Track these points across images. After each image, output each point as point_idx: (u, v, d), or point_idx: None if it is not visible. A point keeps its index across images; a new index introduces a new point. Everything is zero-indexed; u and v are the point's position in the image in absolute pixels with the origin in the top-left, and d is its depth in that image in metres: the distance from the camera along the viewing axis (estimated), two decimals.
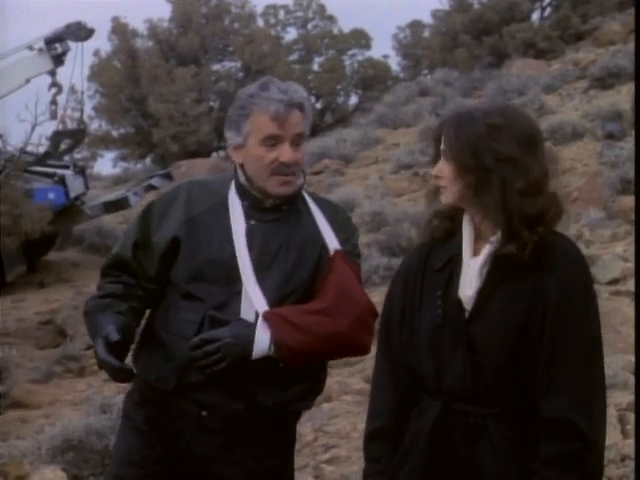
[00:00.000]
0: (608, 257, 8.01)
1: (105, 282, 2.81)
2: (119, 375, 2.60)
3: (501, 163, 2.18)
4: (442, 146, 2.27)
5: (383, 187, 14.55)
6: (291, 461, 2.83)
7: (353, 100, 35.43)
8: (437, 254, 2.34)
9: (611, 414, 4.81)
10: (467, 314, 2.24)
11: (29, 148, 14.90)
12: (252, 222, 2.69)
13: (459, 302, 2.25)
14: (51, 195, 14.89)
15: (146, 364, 2.75)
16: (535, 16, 25.75)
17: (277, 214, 2.71)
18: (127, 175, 29.09)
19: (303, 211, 2.75)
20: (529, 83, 17.35)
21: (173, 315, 2.70)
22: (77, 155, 17.87)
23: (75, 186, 15.86)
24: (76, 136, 17.25)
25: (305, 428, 5.97)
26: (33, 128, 12.95)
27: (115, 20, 31.53)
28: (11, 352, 9.07)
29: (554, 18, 24.44)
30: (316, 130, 30.36)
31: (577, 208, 10.07)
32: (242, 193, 2.73)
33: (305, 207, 2.76)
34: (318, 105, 34.87)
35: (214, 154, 30.18)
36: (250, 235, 2.66)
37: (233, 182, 2.76)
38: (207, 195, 2.76)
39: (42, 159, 15.88)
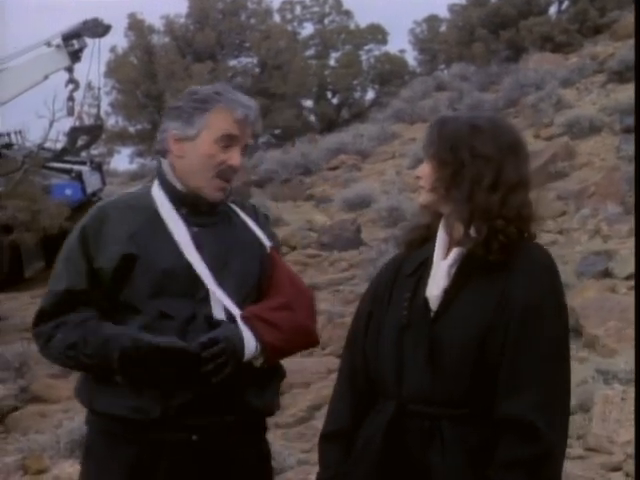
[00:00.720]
0: (626, 252, 7.98)
1: (63, 321, 2.52)
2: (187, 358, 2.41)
3: (476, 159, 2.21)
4: (424, 146, 2.31)
5: (400, 182, 14.53)
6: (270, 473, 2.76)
7: (370, 95, 35.45)
8: (409, 261, 2.36)
9: (629, 410, 4.80)
10: (432, 313, 2.24)
11: (47, 144, 14.96)
12: (194, 229, 2.56)
13: (426, 302, 2.25)
14: (68, 191, 14.98)
15: (112, 399, 2.50)
16: (552, 10, 25.65)
17: (214, 218, 2.61)
18: (143, 171, 29.17)
19: (231, 214, 2.66)
20: (546, 77, 17.27)
21: None
22: (94, 151, 17.97)
23: (92, 182, 15.95)
24: (93, 132, 17.33)
25: (320, 424, 5.98)
26: (51, 124, 13.00)
27: (132, 16, 31.64)
28: (30, 347, 9.12)
29: (572, 11, 24.31)
30: (333, 125, 30.37)
31: (594, 203, 10.03)
32: (178, 200, 2.57)
33: (229, 209, 2.66)
34: (335, 100, 34.87)
35: None
36: (197, 242, 2.54)
37: (159, 191, 2.60)
38: (133, 212, 2.58)
39: (59, 155, 15.96)
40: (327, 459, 2.40)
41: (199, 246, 2.53)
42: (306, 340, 2.68)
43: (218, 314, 2.51)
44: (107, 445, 2.55)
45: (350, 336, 2.45)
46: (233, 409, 2.52)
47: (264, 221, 2.73)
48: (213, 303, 2.51)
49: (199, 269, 2.51)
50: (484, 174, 2.21)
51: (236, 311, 2.51)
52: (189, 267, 2.50)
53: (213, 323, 2.50)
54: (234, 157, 2.55)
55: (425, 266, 2.31)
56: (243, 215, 2.67)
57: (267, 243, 2.65)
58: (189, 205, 2.58)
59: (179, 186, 2.58)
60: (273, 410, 2.66)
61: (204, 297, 2.51)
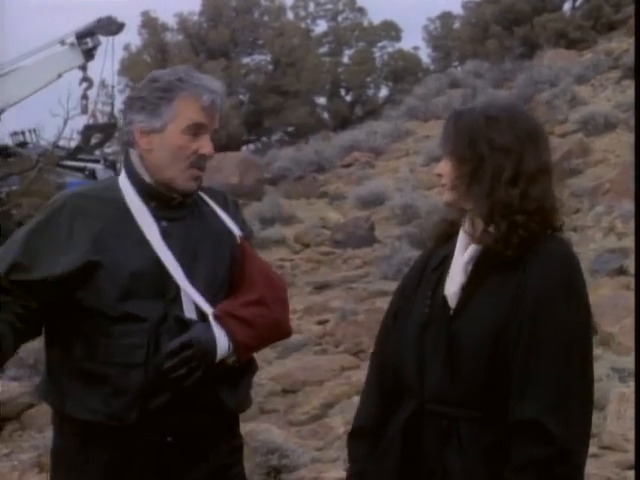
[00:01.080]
0: None
1: None
2: None
3: (495, 152, 2.17)
4: (442, 142, 2.28)
5: (414, 180, 14.50)
6: (243, 464, 2.73)
7: (383, 92, 35.41)
8: (435, 255, 2.35)
9: None
10: (451, 311, 2.22)
11: (61, 142, 15.02)
12: (164, 223, 2.47)
13: (444, 299, 2.23)
14: None
15: (85, 403, 2.43)
16: (567, 6, 25.54)
17: (183, 211, 2.52)
18: None
19: (200, 203, 2.58)
20: (561, 74, 17.18)
21: (107, 344, 2.41)
22: (107, 149, 17.99)
23: None
24: (107, 130, 17.39)
25: (336, 421, 5.98)
26: (65, 123, 13.07)
27: (145, 14, 31.70)
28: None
29: (586, 7, 24.20)
30: (346, 123, 30.35)
31: (609, 200, 9.98)
32: (146, 193, 2.48)
33: (199, 198, 2.59)
34: (348, 98, 34.85)
35: (244, 147, 30.25)
36: (166, 237, 2.45)
37: (127, 183, 2.51)
38: (100, 205, 2.48)
39: (73, 153, 16.03)
40: (355, 455, 2.39)
41: (168, 242, 2.45)
42: (279, 334, 2.65)
43: (189, 313, 2.44)
44: (79, 449, 2.47)
45: (380, 333, 2.42)
46: (207, 409, 2.48)
47: (234, 210, 2.65)
48: (184, 302, 2.44)
49: (170, 267, 2.42)
50: (504, 167, 2.16)
51: (208, 309, 2.45)
52: (159, 266, 2.42)
53: (183, 324, 2.43)
54: (205, 145, 2.47)
55: (447, 262, 2.28)
56: (213, 204, 2.60)
57: (237, 232, 2.58)
58: (158, 199, 2.49)
59: (147, 179, 2.49)
60: (245, 407, 2.62)
61: (175, 296, 2.44)
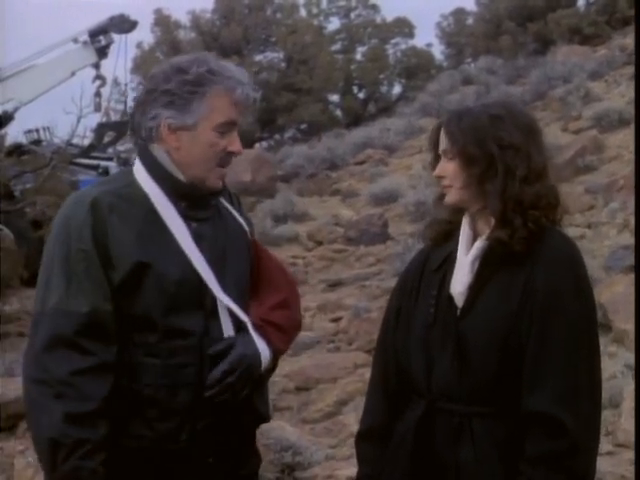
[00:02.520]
0: None
1: (77, 371, 2.17)
2: None
3: (505, 150, 2.19)
4: (442, 146, 2.27)
5: (427, 177, 14.43)
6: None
7: (396, 89, 35.32)
8: (435, 256, 2.35)
9: None
10: (458, 311, 2.23)
11: (74, 140, 15.06)
12: (194, 225, 2.33)
13: (450, 299, 2.24)
14: None
15: (123, 430, 2.26)
16: (581, 1, 25.42)
17: (210, 210, 2.39)
18: None
19: (216, 202, 2.45)
20: (574, 70, 17.11)
21: (152, 365, 2.26)
22: (120, 147, 18.02)
23: None
24: (120, 128, 17.39)
25: (349, 418, 5.97)
26: (78, 120, 13.09)
27: (158, 12, 31.75)
28: None
29: (600, 3, 24.07)
30: (359, 120, 30.31)
31: (623, 196, 9.93)
32: (177, 192, 2.32)
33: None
34: (361, 95, 34.80)
35: (257, 145, 30.27)
36: (198, 241, 2.31)
37: (149, 180, 2.33)
38: (127, 204, 2.28)
39: (87, 151, 16.06)
40: (364, 456, 2.41)
41: (200, 246, 2.31)
42: (297, 334, 2.58)
43: (227, 327, 2.33)
44: (116, 472, 2.26)
45: (381, 333, 2.44)
46: (247, 422, 2.42)
47: (238, 205, 2.54)
48: (221, 314, 2.33)
49: (207, 277, 2.29)
50: (516, 165, 2.19)
51: (245, 318, 2.36)
52: (197, 275, 2.28)
53: (223, 349, 2.30)
54: (234, 143, 2.34)
55: (449, 261, 2.29)
56: (224, 201, 2.48)
57: (247, 228, 2.50)
58: (190, 198, 2.34)
59: (181, 176, 2.33)
60: (271, 415, 2.57)
61: (213, 308, 2.31)
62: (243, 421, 2.40)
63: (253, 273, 2.47)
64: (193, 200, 2.35)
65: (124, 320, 2.25)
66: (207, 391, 2.27)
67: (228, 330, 2.34)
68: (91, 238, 2.23)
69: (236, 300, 2.35)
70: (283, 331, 2.42)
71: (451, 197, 2.27)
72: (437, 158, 2.33)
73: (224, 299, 2.32)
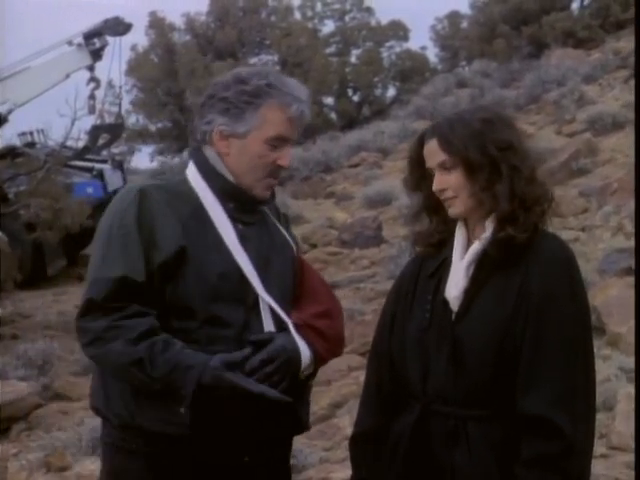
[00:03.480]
0: None
1: (119, 318, 2.24)
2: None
3: (505, 152, 2.20)
4: (439, 159, 2.24)
5: None
6: None
7: (391, 92, 35.33)
8: (430, 261, 2.35)
9: None
10: (454, 315, 2.23)
11: (69, 143, 15.04)
12: (240, 226, 2.38)
13: (445, 303, 2.25)
14: (89, 189, 15.05)
15: (157, 416, 2.26)
16: (575, 5, 25.48)
17: (256, 216, 2.44)
18: (164, 169, 29.17)
19: (264, 212, 2.50)
20: (568, 73, 17.16)
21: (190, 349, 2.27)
22: (115, 149, 18.04)
23: (113, 180, 16.01)
24: (114, 131, 17.40)
25: (343, 421, 5.97)
26: (73, 123, 13.07)
27: (152, 15, 31.74)
28: (53, 345, 9.18)
29: (594, 6, 24.13)
30: (353, 123, 30.32)
31: (617, 200, 9.95)
32: (227, 193, 2.38)
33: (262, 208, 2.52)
34: (355, 98, 34.81)
35: None
36: (243, 241, 2.36)
37: (201, 180, 2.39)
38: (175, 199, 2.35)
39: (81, 154, 16.05)
40: (357, 459, 2.41)
41: (245, 246, 2.36)
42: (341, 349, 2.56)
43: (267, 322, 2.36)
44: (145, 470, 2.29)
45: (376, 337, 2.44)
46: (284, 425, 2.39)
47: (285, 222, 2.60)
48: (262, 310, 2.36)
49: (249, 273, 2.33)
50: (519, 165, 2.20)
51: (287, 318, 2.37)
52: (239, 271, 2.33)
53: (265, 339, 2.31)
54: (285, 157, 2.39)
55: (444, 267, 2.29)
56: (272, 216, 2.53)
57: (293, 245, 2.54)
58: (238, 200, 2.39)
59: (231, 177, 2.39)
60: (310, 424, 2.55)
61: (254, 303, 2.35)
62: (282, 424, 2.38)
63: (296, 287, 2.48)
64: (241, 202, 2.40)
65: (165, 305, 2.28)
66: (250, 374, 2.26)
67: (269, 326, 2.36)
68: (135, 218, 2.29)
69: (278, 302, 2.37)
70: (325, 338, 2.41)
71: (457, 208, 2.26)
72: (420, 174, 2.31)
73: (266, 297, 2.35)
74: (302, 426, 2.48)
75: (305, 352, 2.36)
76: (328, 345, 2.43)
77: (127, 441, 2.33)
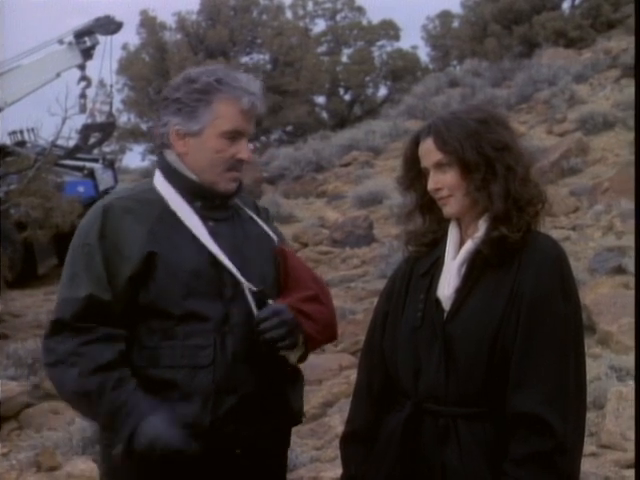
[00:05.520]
0: None
1: (84, 342, 2.28)
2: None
3: (501, 152, 2.21)
4: (435, 158, 2.25)
5: None
6: None
7: (382, 91, 35.41)
8: (422, 261, 2.36)
9: None
10: (445, 314, 2.24)
11: (59, 142, 14.99)
12: (210, 223, 2.40)
13: (438, 302, 2.25)
14: (80, 188, 15.00)
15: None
16: (566, 5, 25.52)
17: (227, 212, 2.47)
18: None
19: (236, 207, 2.52)
20: (559, 73, 17.20)
21: (171, 347, 2.33)
22: (106, 148, 18.00)
23: (104, 179, 15.97)
24: (105, 129, 17.35)
25: (334, 420, 5.97)
26: (63, 121, 13.01)
27: (143, 13, 31.69)
28: None
29: (585, 6, 24.18)
30: (345, 122, 30.33)
31: (608, 199, 9.98)
32: (191, 192, 2.41)
33: (235, 204, 2.53)
34: (347, 97, 34.83)
35: None
36: (215, 237, 2.38)
37: (166, 184, 2.43)
38: (143, 206, 2.39)
39: (72, 153, 16.00)
40: (348, 458, 2.41)
41: (218, 241, 2.38)
42: (332, 334, 2.56)
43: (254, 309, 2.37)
44: (141, 469, 2.31)
45: (368, 336, 2.44)
46: (275, 412, 2.41)
47: (265, 216, 2.61)
48: (245, 300, 2.37)
49: (228, 266, 2.36)
50: (514, 165, 2.21)
51: (271, 301, 2.39)
52: (214, 265, 2.36)
53: (261, 298, 2.37)
54: (242, 150, 2.41)
55: (437, 266, 2.30)
56: (248, 210, 2.55)
57: (274, 237, 2.54)
58: (203, 198, 2.42)
59: (193, 176, 2.42)
60: (303, 415, 2.56)
61: (232, 295, 2.37)
62: (274, 414, 2.40)
63: (282, 278, 2.49)
64: (208, 200, 2.43)
65: (142, 309, 2.34)
66: (262, 324, 2.32)
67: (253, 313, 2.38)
68: (97, 235, 2.34)
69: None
70: (313, 320, 2.41)
71: (453, 207, 2.27)
72: (415, 173, 2.32)
73: (246, 283, 2.37)
74: (295, 417, 2.49)
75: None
76: (317, 327, 2.43)
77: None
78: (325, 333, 2.49)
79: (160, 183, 2.45)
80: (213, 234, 2.39)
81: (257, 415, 2.37)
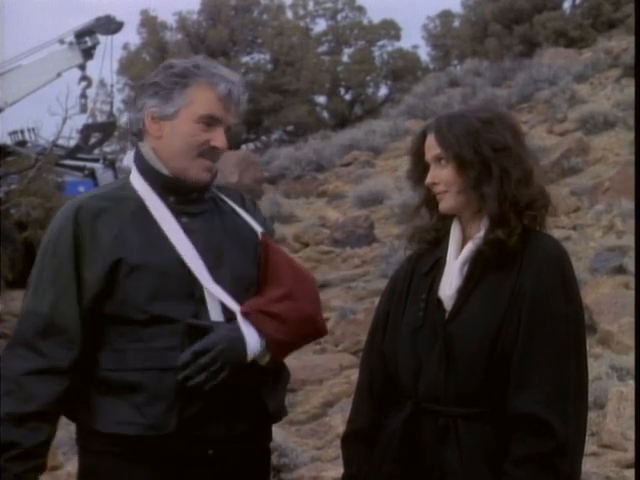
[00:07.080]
0: None
1: (29, 371, 2.26)
2: None
3: (499, 153, 2.22)
4: (434, 152, 2.27)
5: None
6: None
7: (383, 91, 35.40)
8: (424, 260, 2.36)
9: None
10: (447, 314, 2.24)
11: (60, 142, 15.00)
12: (184, 219, 2.35)
13: (439, 302, 2.25)
14: (81, 188, 14.96)
15: (114, 418, 2.29)
16: (567, 4, 25.51)
17: (203, 205, 2.41)
18: None
19: (217, 200, 2.47)
20: (560, 72, 17.18)
21: (137, 349, 2.30)
22: (107, 148, 18.00)
23: (105, 179, 15.93)
24: (106, 129, 17.35)
25: (335, 420, 5.97)
26: (64, 121, 13.03)
27: (144, 13, 31.70)
28: None
29: (586, 6, 24.17)
30: (345, 122, 30.33)
31: (609, 199, 9.98)
32: (163, 187, 2.36)
33: (216, 196, 2.48)
34: (347, 96, 34.83)
35: (243, 146, 30.25)
36: (189, 234, 2.33)
37: (140, 179, 2.39)
38: (115, 204, 2.35)
39: (72, 152, 15.99)
40: (349, 458, 2.41)
41: (191, 238, 2.33)
42: (313, 330, 2.50)
43: (215, 313, 2.33)
44: (112, 468, 2.31)
45: (369, 336, 2.44)
46: (248, 414, 2.37)
47: (252, 207, 2.55)
48: (209, 302, 2.32)
49: (192, 266, 2.30)
50: (511, 167, 2.21)
51: (235, 307, 2.34)
52: (181, 265, 2.31)
53: (202, 328, 2.30)
54: (218, 138, 2.35)
55: (439, 266, 2.30)
56: (230, 202, 2.49)
57: (258, 229, 2.48)
58: (176, 192, 2.37)
59: (165, 171, 2.37)
60: (283, 414, 2.52)
61: (201, 296, 2.33)
62: (246, 415, 2.37)
63: (262, 272, 2.44)
64: (181, 194, 2.38)
65: (108, 315, 2.31)
66: (179, 374, 2.26)
67: (217, 317, 2.34)
68: (67, 245, 2.31)
69: (231, 291, 2.34)
70: (281, 321, 2.37)
71: (447, 203, 2.28)
72: (423, 167, 2.33)
73: (212, 289, 2.32)
74: (270, 416, 2.44)
75: (253, 339, 2.31)
76: (289, 328, 2.38)
77: (93, 442, 2.36)
78: (301, 331, 2.44)
79: (136, 179, 2.41)
80: (187, 231, 2.34)
81: (227, 416, 2.33)
